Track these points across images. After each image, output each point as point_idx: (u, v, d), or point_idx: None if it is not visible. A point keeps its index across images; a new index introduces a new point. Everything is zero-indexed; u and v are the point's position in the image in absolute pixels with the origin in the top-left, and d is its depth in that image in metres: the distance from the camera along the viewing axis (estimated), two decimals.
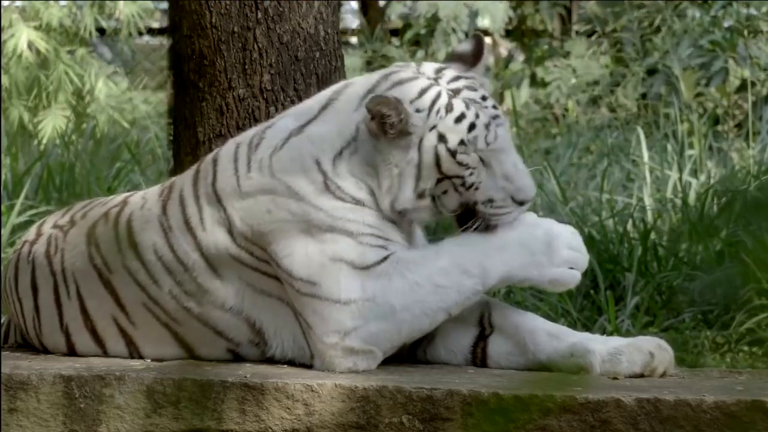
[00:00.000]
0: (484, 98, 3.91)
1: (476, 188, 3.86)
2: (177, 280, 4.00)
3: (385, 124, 3.83)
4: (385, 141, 3.85)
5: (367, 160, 3.90)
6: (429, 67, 3.97)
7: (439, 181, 3.86)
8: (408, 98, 3.86)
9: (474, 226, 3.88)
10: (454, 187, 3.87)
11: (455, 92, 3.89)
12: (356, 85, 3.99)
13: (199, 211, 3.99)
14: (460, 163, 3.85)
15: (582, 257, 3.92)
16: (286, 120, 4.03)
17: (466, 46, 4.04)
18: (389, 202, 3.89)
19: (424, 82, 3.90)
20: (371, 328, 3.82)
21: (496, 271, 3.83)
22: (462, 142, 3.85)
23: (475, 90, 3.92)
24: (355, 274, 3.83)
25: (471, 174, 3.86)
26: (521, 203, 3.87)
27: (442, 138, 3.85)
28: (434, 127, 3.85)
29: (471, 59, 4.00)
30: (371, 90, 3.92)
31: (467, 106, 3.87)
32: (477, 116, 3.87)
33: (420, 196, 3.87)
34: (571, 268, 3.90)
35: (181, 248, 4.00)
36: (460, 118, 3.86)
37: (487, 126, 3.86)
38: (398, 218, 3.94)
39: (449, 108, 3.86)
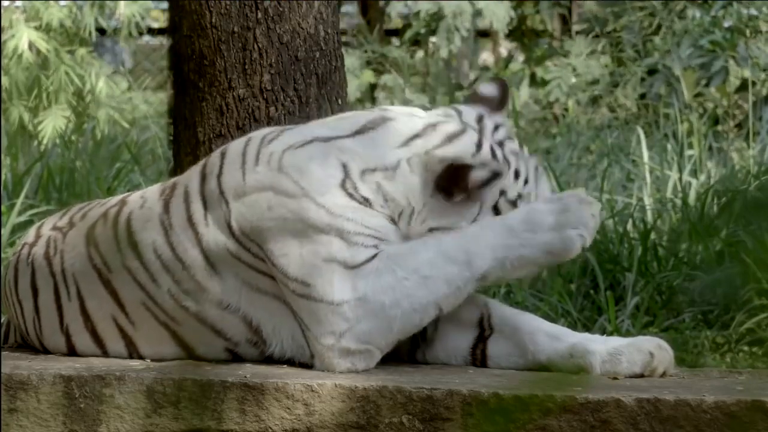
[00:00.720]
0: (520, 146, 4.01)
1: None
2: (175, 279, 4.00)
3: (466, 189, 3.87)
4: (452, 201, 3.89)
5: (405, 191, 3.89)
6: (469, 115, 4.00)
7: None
8: (469, 154, 3.90)
9: None
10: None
11: (500, 144, 3.97)
12: (398, 122, 3.96)
13: (203, 207, 3.98)
14: (514, 206, 3.94)
15: (575, 214, 3.84)
16: (311, 127, 4.02)
17: (491, 90, 4.07)
18: (426, 228, 3.91)
19: (474, 136, 3.94)
20: (363, 327, 3.81)
21: (481, 255, 3.81)
22: (519, 196, 3.95)
23: (513, 140, 4.02)
24: (347, 274, 3.82)
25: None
26: None
27: (502, 193, 3.93)
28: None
29: (496, 104, 4.05)
30: (418, 135, 3.92)
31: (517, 160, 3.97)
32: (527, 170, 3.98)
33: None
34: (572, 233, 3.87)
35: (181, 246, 3.99)
36: (517, 174, 3.96)
37: (536, 179, 3.99)
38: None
39: (507, 164, 3.94)
